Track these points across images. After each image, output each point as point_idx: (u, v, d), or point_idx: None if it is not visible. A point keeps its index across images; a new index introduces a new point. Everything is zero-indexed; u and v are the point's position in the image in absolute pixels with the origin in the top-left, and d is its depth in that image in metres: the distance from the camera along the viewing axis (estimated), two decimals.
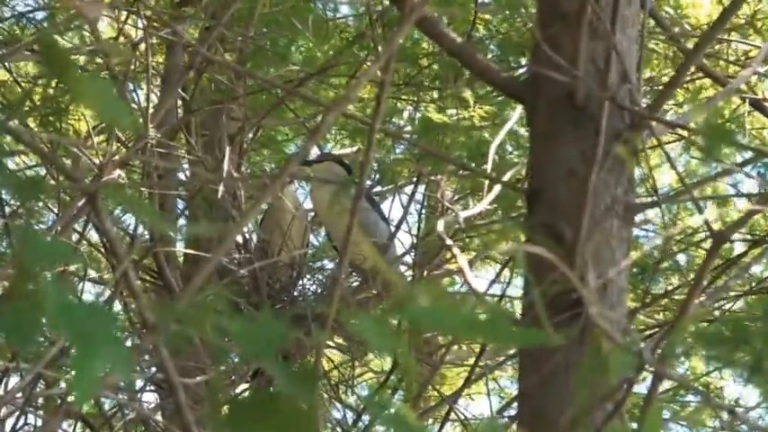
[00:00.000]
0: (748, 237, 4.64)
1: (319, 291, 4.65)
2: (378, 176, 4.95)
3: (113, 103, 1.15)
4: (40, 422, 4.10)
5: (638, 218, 2.25)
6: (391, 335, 1.14)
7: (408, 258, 4.60)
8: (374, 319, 1.14)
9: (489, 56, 4.80)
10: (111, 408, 4.11)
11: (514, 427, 2.76)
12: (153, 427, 4.02)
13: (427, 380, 4.52)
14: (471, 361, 4.58)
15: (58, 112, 4.48)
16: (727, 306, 4.40)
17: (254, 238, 4.68)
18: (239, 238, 4.57)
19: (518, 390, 2.20)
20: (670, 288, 4.81)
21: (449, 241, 2.16)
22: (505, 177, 2.79)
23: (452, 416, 4.57)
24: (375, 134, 1.80)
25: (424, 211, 4.87)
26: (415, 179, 4.90)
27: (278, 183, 1.55)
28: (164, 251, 4.34)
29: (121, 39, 4.23)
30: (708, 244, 4.04)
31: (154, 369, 3.90)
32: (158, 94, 4.64)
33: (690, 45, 4.32)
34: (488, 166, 2.86)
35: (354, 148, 5.19)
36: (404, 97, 5.15)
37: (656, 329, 4.36)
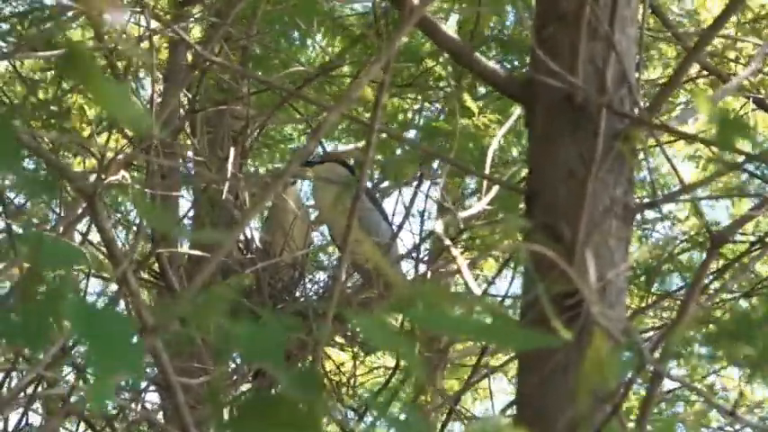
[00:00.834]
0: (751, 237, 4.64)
1: (321, 291, 4.65)
2: (380, 176, 4.96)
3: (133, 108, 1.17)
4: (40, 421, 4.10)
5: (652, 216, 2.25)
6: (394, 334, 1.14)
7: (411, 258, 4.60)
8: (376, 318, 1.14)
9: (491, 54, 4.80)
10: (113, 408, 4.11)
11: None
12: (157, 429, 4.02)
13: (430, 379, 4.52)
14: (474, 359, 4.58)
15: (61, 111, 4.49)
16: (728, 305, 4.39)
17: (257, 237, 4.69)
18: (242, 238, 4.58)
19: (517, 390, 2.20)
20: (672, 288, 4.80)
21: (447, 242, 2.17)
22: (504, 178, 2.79)
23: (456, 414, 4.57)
24: (374, 134, 1.80)
25: (426, 212, 4.87)
26: (417, 177, 4.89)
27: (279, 182, 1.55)
28: (167, 252, 4.34)
29: (124, 37, 4.23)
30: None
31: (156, 369, 3.90)
32: (160, 91, 4.64)
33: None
34: (487, 167, 2.86)
35: (352, 146, 5.19)
36: (409, 97, 5.14)
37: (657, 329, 4.37)
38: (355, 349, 4.73)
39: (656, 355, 1.88)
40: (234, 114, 4.79)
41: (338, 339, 4.67)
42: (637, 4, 2.30)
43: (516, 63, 4.82)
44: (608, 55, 2.18)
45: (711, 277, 4.04)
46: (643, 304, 4.41)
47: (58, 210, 4.39)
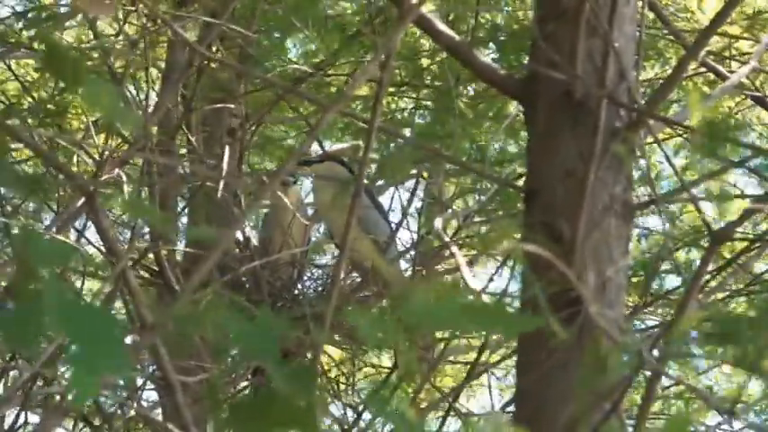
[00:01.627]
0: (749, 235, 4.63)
1: (320, 288, 4.65)
2: (376, 174, 4.95)
3: (120, 108, 1.16)
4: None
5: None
6: (391, 331, 1.14)
7: (409, 256, 4.60)
8: (373, 315, 1.14)
9: (488, 53, 4.79)
10: (111, 405, 4.10)
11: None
12: (155, 427, 4.01)
13: (427, 376, 4.52)
14: (471, 357, 4.58)
15: (58, 110, 4.48)
16: (728, 304, 4.39)
17: (254, 236, 4.68)
18: (240, 236, 4.57)
19: (516, 388, 2.20)
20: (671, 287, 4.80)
21: (446, 238, 2.16)
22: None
23: (455, 411, 4.56)
24: (374, 133, 1.80)
25: (424, 209, 4.86)
26: (415, 174, 4.89)
27: (276, 180, 1.55)
28: (164, 249, 4.34)
29: (120, 37, 4.23)
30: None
31: (154, 367, 3.90)
32: (156, 90, 4.63)
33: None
34: (486, 165, 2.86)
35: (348, 144, 5.18)
36: (406, 95, 5.14)
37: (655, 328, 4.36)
38: (353, 347, 4.73)
39: (655, 353, 1.88)
40: (231, 112, 4.78)
41: (336, 338, 4.67)
42: (636, 2, 2.30)
43: (514, 63, 4.81)
44: (606, 52, 2.18)
45: (709, 276, 4.04)
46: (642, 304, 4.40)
47: (55, 208, 4.38)
